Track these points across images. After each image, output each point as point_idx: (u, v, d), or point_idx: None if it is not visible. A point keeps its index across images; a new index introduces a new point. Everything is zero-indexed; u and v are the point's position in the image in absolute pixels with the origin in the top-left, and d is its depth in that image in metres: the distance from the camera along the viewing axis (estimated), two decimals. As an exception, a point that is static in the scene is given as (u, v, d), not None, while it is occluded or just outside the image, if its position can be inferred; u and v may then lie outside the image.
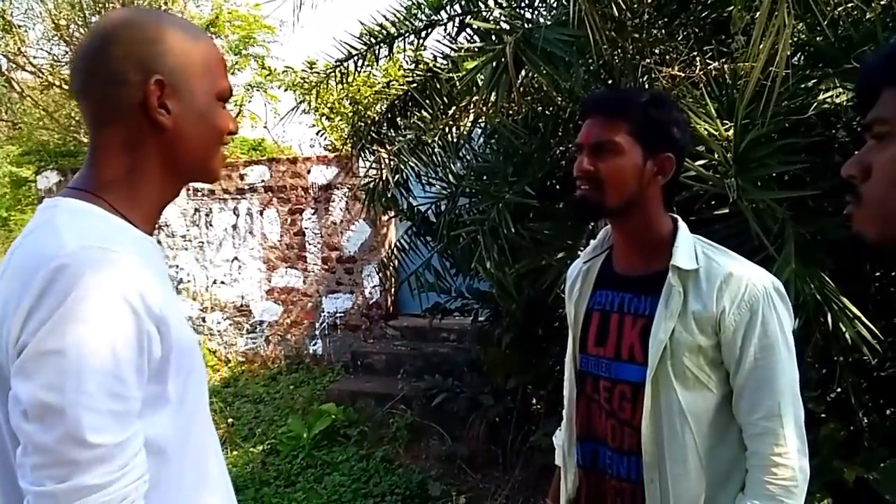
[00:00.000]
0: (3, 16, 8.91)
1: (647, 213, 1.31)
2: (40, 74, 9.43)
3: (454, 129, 3.60)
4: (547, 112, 2.93)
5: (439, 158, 3.49)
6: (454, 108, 3.57)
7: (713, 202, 2.22)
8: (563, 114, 2.82)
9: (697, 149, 2.08)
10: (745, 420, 1.24)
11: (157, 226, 0.94)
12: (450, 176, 3.29)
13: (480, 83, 2.36)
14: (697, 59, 2.48)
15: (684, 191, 2.13)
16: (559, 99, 2.80)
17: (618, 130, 1.27)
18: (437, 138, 3.52)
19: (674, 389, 1.25)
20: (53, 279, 0.76)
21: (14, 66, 9.41)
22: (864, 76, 0.79)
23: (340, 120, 7.93)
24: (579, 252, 2.52)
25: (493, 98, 2.34)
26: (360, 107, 7.20)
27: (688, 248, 1.29)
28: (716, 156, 1.97)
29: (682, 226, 1.33)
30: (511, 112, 3.13)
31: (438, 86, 3.43)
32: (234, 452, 4.58)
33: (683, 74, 2.44)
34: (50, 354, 0.75)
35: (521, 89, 2.72)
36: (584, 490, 1.42)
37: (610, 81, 2.61)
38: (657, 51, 2.57)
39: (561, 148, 2.80)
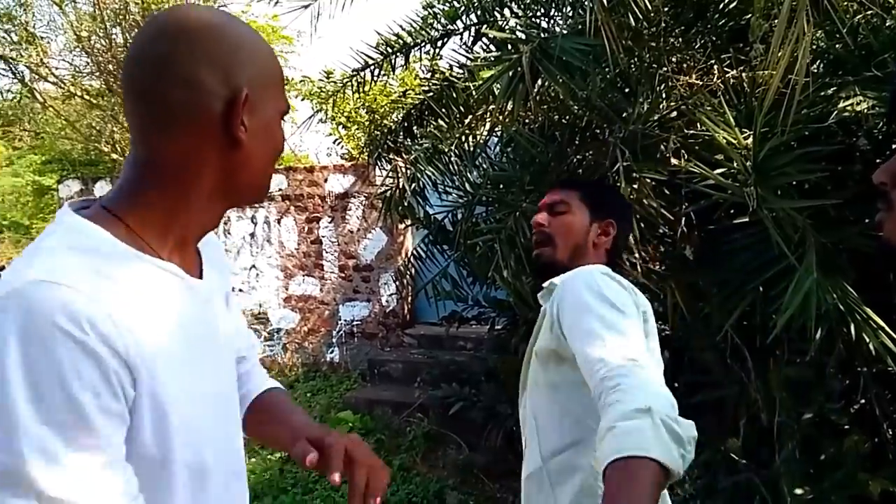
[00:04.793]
0: (27, 28, 9.08)
1: None
2: (62, 85, 9.60)
3: (470, 138, 3.60)
4: (563, 121, 2.92)
5: (456, 167, 3.49)
6: (470, 116, 3.58)
7: (732, 211, 2.20)
8: (580, 123, 2.81)
9: (716, 157, 2.07)
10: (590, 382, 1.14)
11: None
12: (466, 185, 3.29)
13: (497, 92, 2.36)
14: (715, 67, 2.46)
15: (703, 199, 2.12)
16: (576, 108, 2.79)
17: (570, 196, 1.57)
18: (453, 147, 3.52)
19: None
20: None
21: (36, 76, 9.60)
22: None
23: (357, 129, 7.99)
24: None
25: (509, 107, 2.34)
26: (376, 116, 7.25)
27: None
28: (735, 164, 1.96)
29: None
30: (527, 121, 3.13)
31: (455, 95, 3.44)
32: (253, 460, 4.60)
33: (701, 83, 2.43)
34: None
35: (538, 98, 2.71)
36: None
37: (627, 90, 2.60)
38: (674, 59, 2.56)
39: (577, 157, 2.79)
